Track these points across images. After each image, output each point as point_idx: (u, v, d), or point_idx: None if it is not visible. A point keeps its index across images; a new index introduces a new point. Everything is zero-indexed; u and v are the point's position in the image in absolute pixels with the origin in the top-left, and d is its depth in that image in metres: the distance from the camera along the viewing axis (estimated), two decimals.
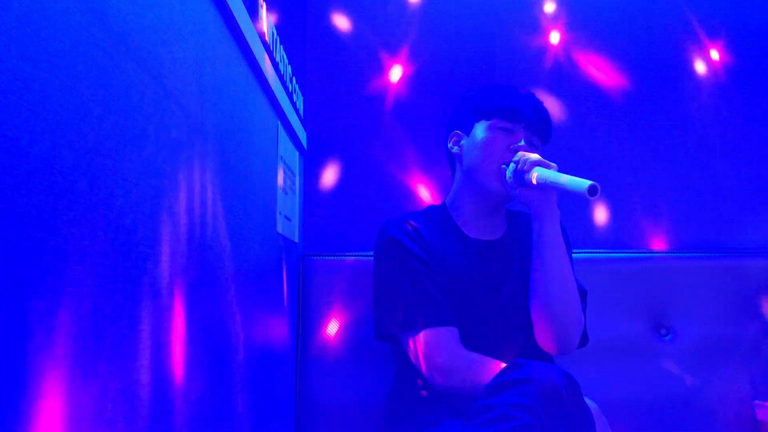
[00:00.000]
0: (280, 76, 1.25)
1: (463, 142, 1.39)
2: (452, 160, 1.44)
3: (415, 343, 1.25)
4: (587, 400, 1.05)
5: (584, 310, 1.31)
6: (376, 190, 1.68)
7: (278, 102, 1.21)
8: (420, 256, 1.28)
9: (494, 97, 1.37)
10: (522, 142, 1.32)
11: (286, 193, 1.35)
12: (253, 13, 0.99)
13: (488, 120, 1.34)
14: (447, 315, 1.24)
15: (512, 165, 1.27)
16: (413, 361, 1.26)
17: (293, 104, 1.41)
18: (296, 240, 1.51)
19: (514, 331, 1.30)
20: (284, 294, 1.35)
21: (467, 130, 1.38)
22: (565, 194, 1.20)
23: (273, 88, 1.15)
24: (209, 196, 0.79)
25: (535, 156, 1.24)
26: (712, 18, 1.76)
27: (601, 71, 1.73)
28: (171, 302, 0.65)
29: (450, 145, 1.42)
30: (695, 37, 1.75)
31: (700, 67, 1.74)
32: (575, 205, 1.59)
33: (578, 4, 1.75)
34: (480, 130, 1.35)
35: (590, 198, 1.12)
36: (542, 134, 1.37)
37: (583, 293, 1.31)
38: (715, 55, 1.74)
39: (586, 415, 1.01)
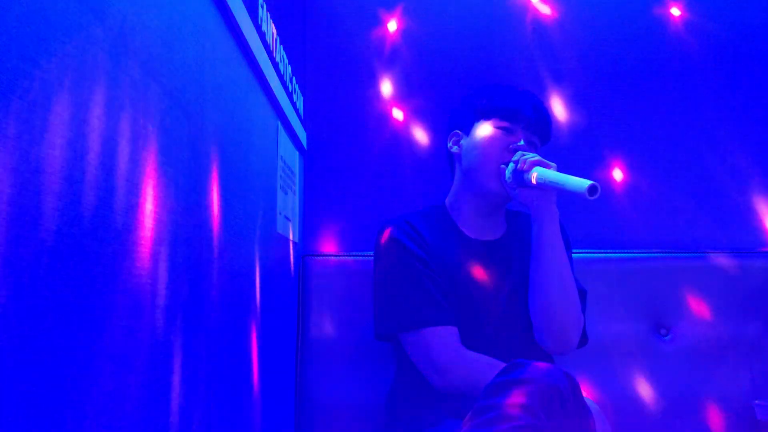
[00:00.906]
0: (280, 76, 1.25)
1: (462, 141, 1.39)
2: (452, 159, 1.44)
3: (415, 343, 1.24)
4: (587, 400, 1.05)
5: (584, 310, 1.31)
6: (376, 190, 1.68)
7: (278, 102, 1.21)
8: (420, 256, 1.28)
9: (494, 97, 1.36)
10: (521, 142, 1.32)
11: (286, 193, 1.35)
12: (253, 13, 0.99)
13: (488, 120, 1.34)
14: (447, 315, 1.24)
15: (511, 165, 1.27)
16: (413, 360, 1.26)
17: (293, 104, 1.41)
18: (296, 240, 1.51)
19: (513, 331, 1.30)
20: (284, 294, 1.35)
21: (467, 129, 1.38)
22: (564, 194, 1.20)
23: (273, 88, 1.15)
24: (209, 196, 0.79)
25: (534, 156, 1.24)
26: (712, 17, 1.76)
27: (600, 71, 1.73)
28: (171, 302, 0.65)
29: (449, 144, 1.41)
30: (699, 39, 1.75)
31: (700, 66, 1.74)
32: (575, 205, 1.58)
33: (577, 4, 1.75)
34: (479, 130, 1.35)
35: (590, 198, 1.12)
36: (542, 134, 1.37)
37: (582, 293, 1.31)
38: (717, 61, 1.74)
39: (586, 415, 1.01)
